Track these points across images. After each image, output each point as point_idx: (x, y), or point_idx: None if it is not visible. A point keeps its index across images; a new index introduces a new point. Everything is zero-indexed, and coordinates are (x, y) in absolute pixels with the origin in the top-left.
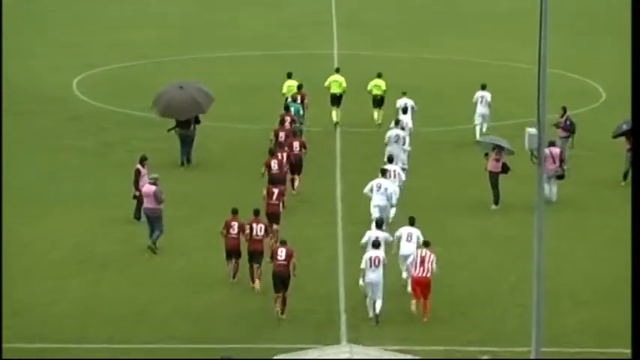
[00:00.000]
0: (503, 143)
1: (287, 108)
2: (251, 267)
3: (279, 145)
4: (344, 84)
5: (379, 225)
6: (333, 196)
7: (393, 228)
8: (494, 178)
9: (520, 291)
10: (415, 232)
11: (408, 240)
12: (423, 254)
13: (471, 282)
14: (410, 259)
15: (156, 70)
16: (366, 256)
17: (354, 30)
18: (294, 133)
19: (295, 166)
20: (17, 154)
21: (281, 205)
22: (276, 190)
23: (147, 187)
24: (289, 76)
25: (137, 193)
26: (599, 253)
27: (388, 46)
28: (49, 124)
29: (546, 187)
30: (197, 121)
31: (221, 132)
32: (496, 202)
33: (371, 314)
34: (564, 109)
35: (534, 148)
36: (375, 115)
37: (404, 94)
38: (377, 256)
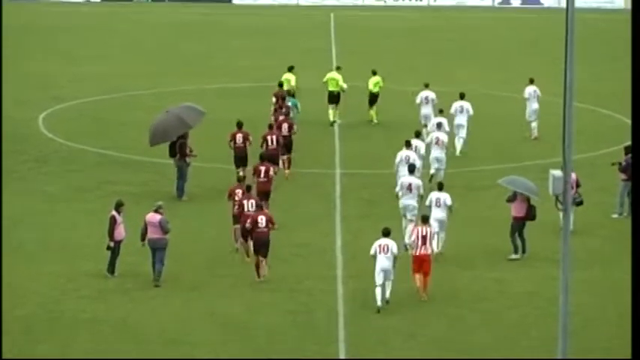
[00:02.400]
0: (526, 188)
1: (280, 85)
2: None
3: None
4: (341, 82)
5: (412, 170)
6: (332, 248)
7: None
8: (517, 224)
9: (544, 353)
10: (443, 196)
11: (437, 205)
12: (424, 233)
13: (487, 345)
14: (413, 237)
15: (130, 104)
16: (376, 243)
17: (354, 59)
18: (286, 114)
19: (284, 146)
20: None
21: (270, 183)
22: (263, 168)
23: (151, 216)
24: (290, 69)
25: (111, 244)
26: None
27: (394, 78)
28: (12, 165)
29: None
30: (182, 150)
31: (208, 173)
32: (516, 251)
33: (379, 303)
34: (627, 149)
35: (560, 194)
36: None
37: (440, 111)
38: (386, 244)
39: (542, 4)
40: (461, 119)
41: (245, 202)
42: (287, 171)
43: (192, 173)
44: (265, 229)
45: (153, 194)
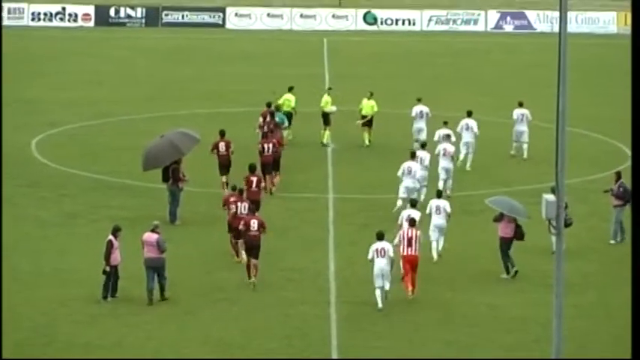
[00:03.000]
0: (515, 211)
1: (269, 105)
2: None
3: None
4: (329, 104)
5: (414, 205)
6: (325, 273)
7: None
8: (504, 244)
9: None
10: (442, 203)
11: (437, 213)
12: (410, 234)
13: None
14: (396, 240)
15: (122, 129)
16: (373, 246)
17: (347, 84)
18: (271, 131)
19: (271, 165)
20: None
21: (261, 192)
22: (254, 179)
23: (148, 236)
24: (290, 89)
25: (107, 269)
26: (626, 334)
27: (387, 102)
28: (6, 190)
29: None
30: (174, 175)
31: (200, 198)
32: (507, 271)
33: (380, 305)
34: (618, 175)
35: (553, 217)
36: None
37: (445, 123)
38: (382, 247)
39: (535, 29)
40: (467, 137)
41: (238, 204)
42: (273, 187)
43: (185, 198)
44: (257, 232)
45: (146, 219)
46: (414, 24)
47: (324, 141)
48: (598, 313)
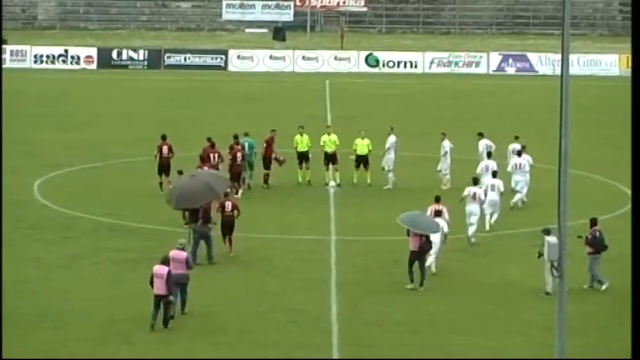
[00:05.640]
0: (419, 227)
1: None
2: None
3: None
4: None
5: (475, 182)
6: (327, 315)
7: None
8: (412, 257)
9: None
10: (497, 182)
11: (492, 190)
12: (439, 208)
13: None
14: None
15: (124, 171)
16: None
17: (349, 125)
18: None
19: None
20: None
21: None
22: (228, 203)
23: (176, 253)
24: (301, 130)
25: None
26: None
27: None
28: (7, 232)
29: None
30: (206, 216)
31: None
32: (412, 281)
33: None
34: (592, 221)
35: (555, 259)
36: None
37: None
38: (437, 222)
39: (537, 71)
40: (518, 176)
41: (225, 203)
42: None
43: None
44: (231, 213)
45: (149, 261)
46: (415, 66)
47: (327, 181)
48: (601, 355)
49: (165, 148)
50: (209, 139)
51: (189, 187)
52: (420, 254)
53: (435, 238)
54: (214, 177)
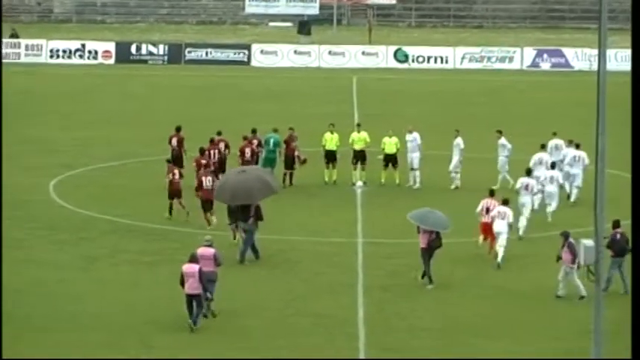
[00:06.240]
0: (430, 224)
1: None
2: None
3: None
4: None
5: (529, 173)
6: (354, 319)
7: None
8: (424, 253)
9: None
10: (556, 174)
11: (551, 182)
12: (488, 205)
13: None
14: (479, 208)
15: (142, 171)
16: (495, 209)
17: (377, 123)
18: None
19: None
20: None
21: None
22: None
23: (204, 250)
24: (331, 127)
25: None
26: None
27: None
28: (21, 233)
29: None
30: (258, 214)
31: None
32: (424, 276)
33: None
34: (615, 223)
35: (592, 264)
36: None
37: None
38: (504, 211)
39: (572, 67)
40: (575, 169)
41: (204, 178)
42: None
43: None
44: (211, 188)
45: (167, 263)
46: (446, 62)
47: (355, 181)
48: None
49: (174, 140)
50: (219, 133)
51: (243, 183)
52: (428, 251)
53: (502, 227)
54: (265, 173)
